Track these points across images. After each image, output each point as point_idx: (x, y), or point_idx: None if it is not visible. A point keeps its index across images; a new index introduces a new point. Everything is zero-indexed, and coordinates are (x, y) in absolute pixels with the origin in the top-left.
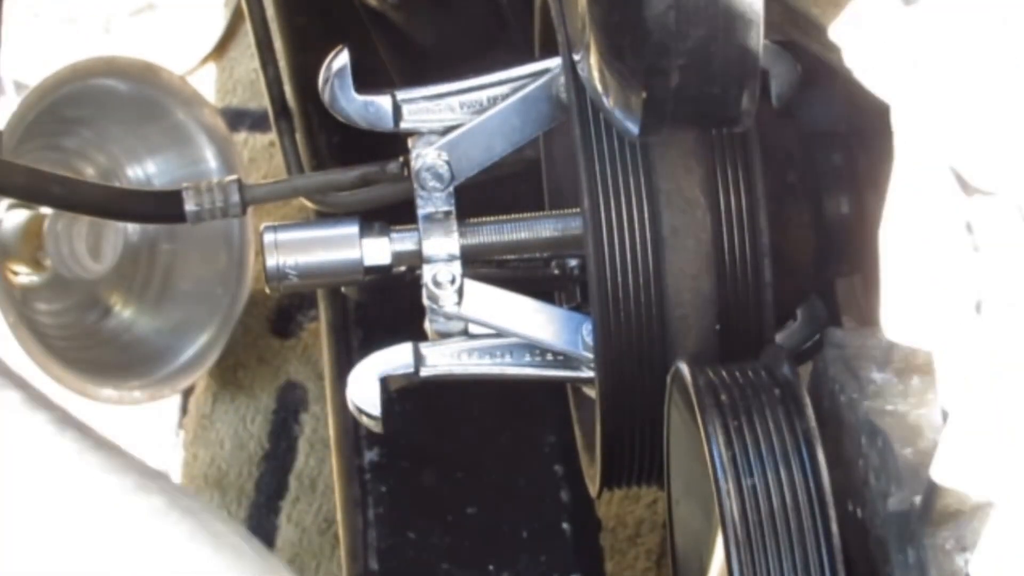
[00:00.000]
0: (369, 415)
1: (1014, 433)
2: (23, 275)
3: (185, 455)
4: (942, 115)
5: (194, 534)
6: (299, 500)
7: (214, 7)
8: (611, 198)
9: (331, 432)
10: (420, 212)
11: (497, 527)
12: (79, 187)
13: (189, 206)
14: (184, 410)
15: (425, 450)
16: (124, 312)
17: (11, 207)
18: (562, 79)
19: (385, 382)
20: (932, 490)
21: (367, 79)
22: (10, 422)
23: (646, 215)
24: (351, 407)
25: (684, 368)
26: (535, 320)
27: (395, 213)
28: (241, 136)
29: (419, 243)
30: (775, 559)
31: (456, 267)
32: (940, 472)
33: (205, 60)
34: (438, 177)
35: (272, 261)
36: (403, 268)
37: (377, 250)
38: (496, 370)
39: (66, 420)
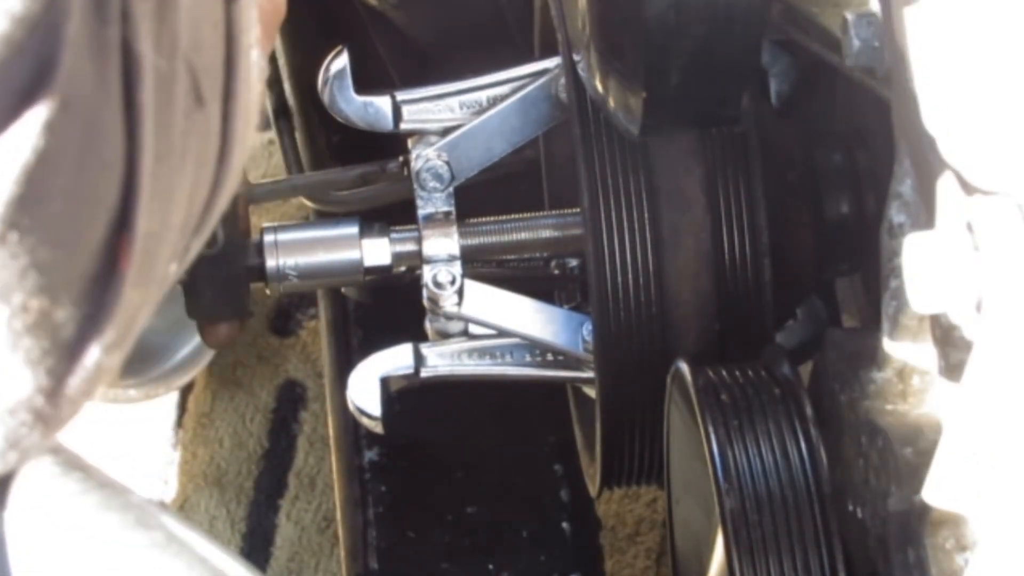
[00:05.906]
0: (369, 416)
1: (1013, 434)
2: None
3: (184, 453)
4: (942, 115)
5: (192, 565)
6: (298, 498)
7: None
8: (611, 198)
9: (331, 431)
10: (420, 212)
11: (497, 527)
12: None
13: None
14: (183, 408)
15: (425, 450)
16: None
17: None
18: (562, 79)
19: (385, 382)
20: None
21: (367, 79)
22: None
23: (646, 215)
24: (352, 408)
25: (684, 368)
26: (535, 320)
27: (395, 213)
28: None
29: (419, 243)
30: (775, 559)
31: (456, 267)
32: (933, 493)
33: None
34: (438, 177)
35: (272, 262)
36: (403, 268)
37: (377, 250)
38: (496, 370)
39: (72, 463)
